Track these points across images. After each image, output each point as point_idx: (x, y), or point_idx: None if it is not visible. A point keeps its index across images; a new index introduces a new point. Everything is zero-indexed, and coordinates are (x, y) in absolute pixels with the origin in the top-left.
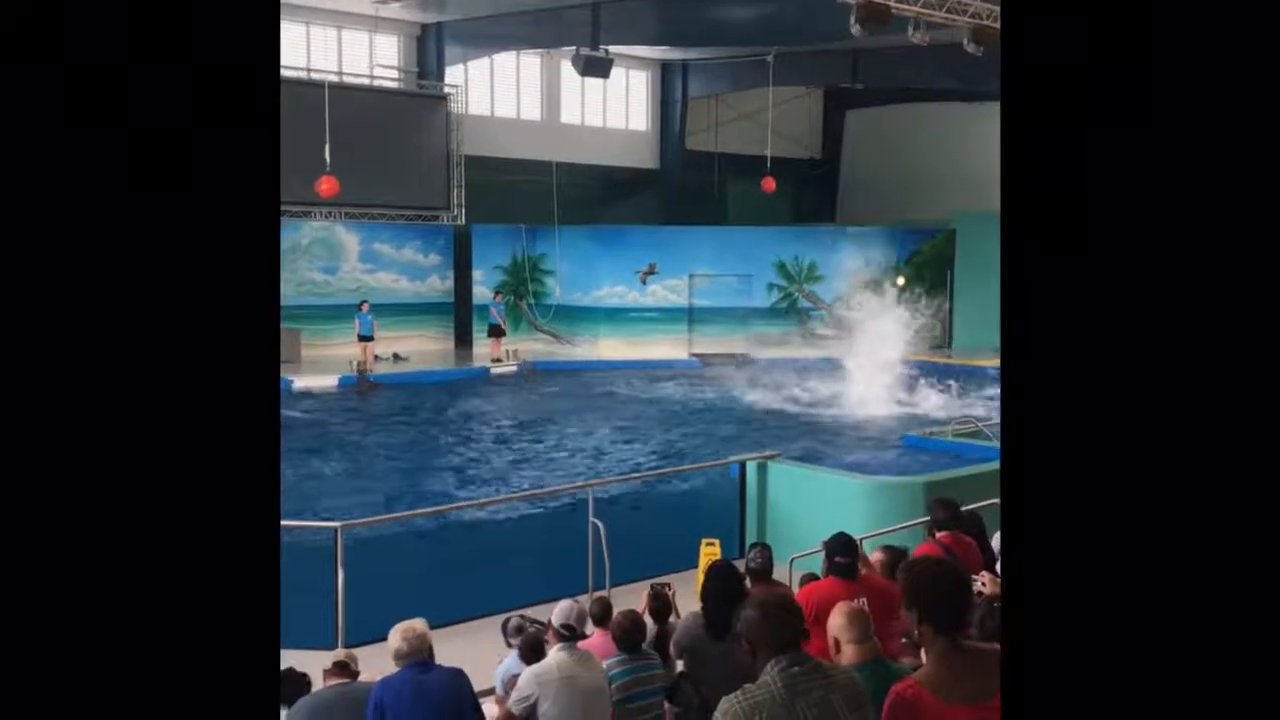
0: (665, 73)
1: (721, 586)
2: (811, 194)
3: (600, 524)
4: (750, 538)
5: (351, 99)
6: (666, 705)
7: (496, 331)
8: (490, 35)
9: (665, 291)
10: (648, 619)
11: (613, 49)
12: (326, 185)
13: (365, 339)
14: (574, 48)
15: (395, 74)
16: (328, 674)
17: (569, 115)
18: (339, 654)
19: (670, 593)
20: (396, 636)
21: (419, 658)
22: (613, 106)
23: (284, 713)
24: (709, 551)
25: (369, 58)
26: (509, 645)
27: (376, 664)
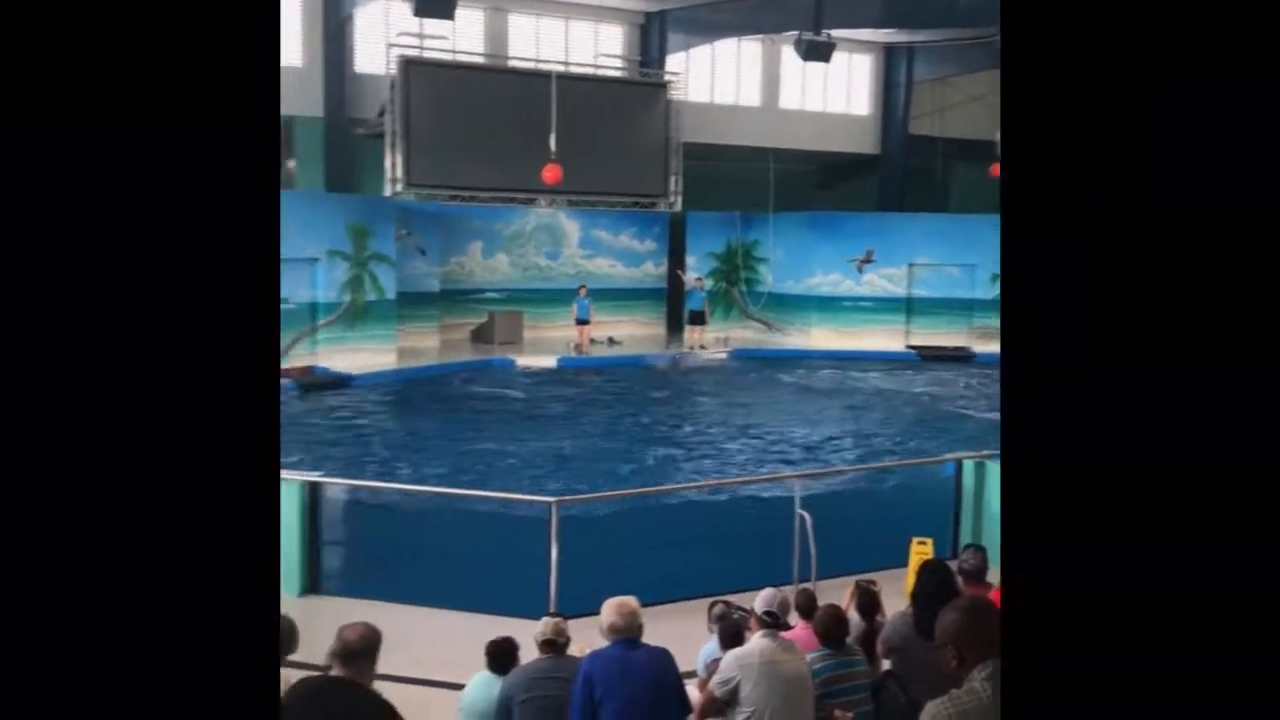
0: (889, 56)
1: (934, 586)
2: None
3: (807, 515)
4: (964, 539)
5: (576, 88)
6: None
7: (697, 319)
8: (712, 22)
9: (882, 281)
10: (853, 614)
11: (835, 33)
12: (551, 173)
13: (582, 323)
14: (795, 33)
15: (619, 63)
16: (540, 646)
17: (788, 100)
18: (547, 626)
19: (877, 590)
20: (610, 611)
21: (629, 634)
22: (833, 91)
23: (499, 682)
24: (920, 550)
25: (594, 47)
26: (710, 630)
27: (584, 638)
